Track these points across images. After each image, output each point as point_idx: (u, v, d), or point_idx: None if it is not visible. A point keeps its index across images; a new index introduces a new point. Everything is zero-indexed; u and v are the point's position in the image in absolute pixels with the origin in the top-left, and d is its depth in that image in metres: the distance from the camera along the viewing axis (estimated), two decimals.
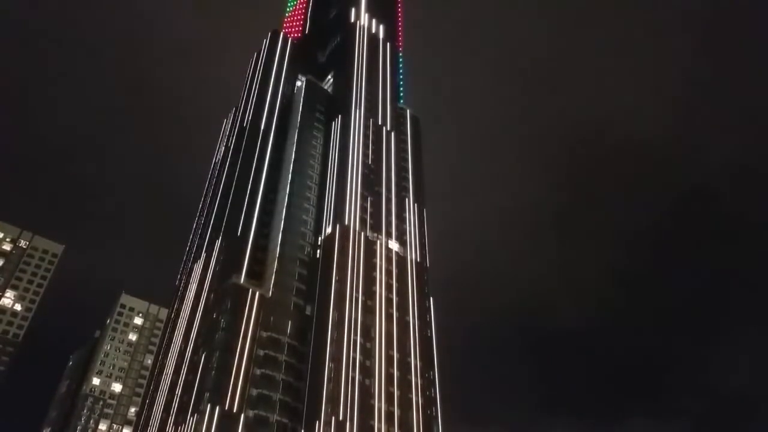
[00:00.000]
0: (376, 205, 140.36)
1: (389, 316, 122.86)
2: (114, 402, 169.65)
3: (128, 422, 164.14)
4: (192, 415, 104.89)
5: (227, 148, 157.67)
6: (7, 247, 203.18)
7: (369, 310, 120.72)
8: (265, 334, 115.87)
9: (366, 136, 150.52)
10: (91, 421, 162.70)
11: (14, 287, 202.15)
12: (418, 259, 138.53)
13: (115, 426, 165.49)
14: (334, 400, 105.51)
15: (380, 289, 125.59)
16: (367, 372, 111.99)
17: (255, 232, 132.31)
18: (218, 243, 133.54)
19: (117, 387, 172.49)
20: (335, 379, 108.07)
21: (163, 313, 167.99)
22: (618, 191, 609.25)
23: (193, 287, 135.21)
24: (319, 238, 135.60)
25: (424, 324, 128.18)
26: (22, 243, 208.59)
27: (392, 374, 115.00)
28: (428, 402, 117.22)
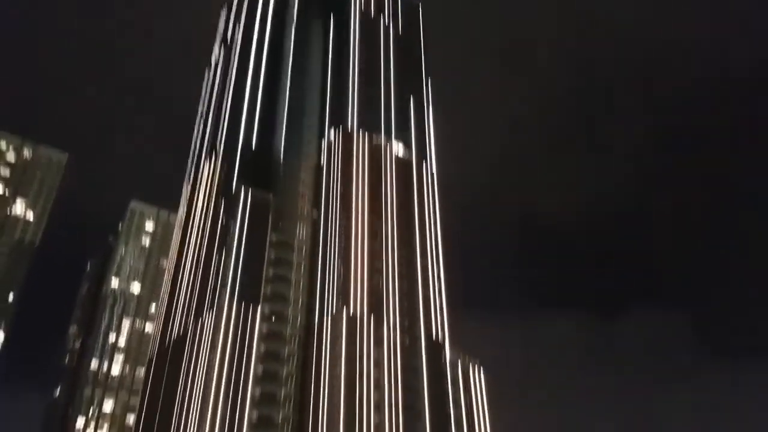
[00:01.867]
0: (379, 107, 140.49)
1: (395, 219, 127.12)
2: (134, 300, 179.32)
3: (150, 318, 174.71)
4: (210, 308, 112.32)
5: (223, 47, 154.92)
6: (11, 157, 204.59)
7: (375, 214, 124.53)
8: (275, 238, 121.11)
9: (366, 32, 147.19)
10: (115, 319, 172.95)
11: (24, 195, 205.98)
12: (424, 163, 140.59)
13: (138, 322, 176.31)
14: (344, 296, 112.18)
15: (386, 192, 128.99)
16: (375, 271, 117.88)
17: (257, 138, 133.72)
18: (220, 151, 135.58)
19: (135, 287, 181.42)
20: (344, 277, 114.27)
21: (173, 218, 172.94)
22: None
23: (200, 194, 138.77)
24: (323, 142, 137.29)
25: (430, 226, 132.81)
26: (26, 153, 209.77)
27: (402, 273, 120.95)
28: (435, 295, 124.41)
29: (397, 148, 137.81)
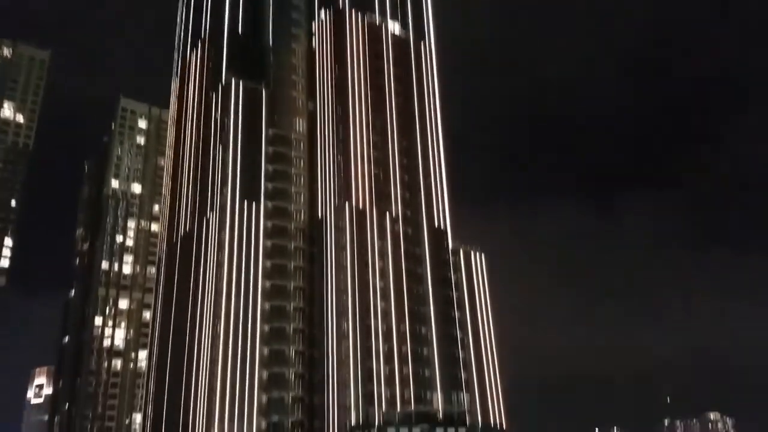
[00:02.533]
0: None
1: (394, 106, 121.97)
2: (136, 201, 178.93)
3: (154, 219, 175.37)
4: (213, 208, 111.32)
5: None
6: None
7: (373, 101, 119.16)
8: (272, 132, 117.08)
9: None
10: (119, 220, 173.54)
11: (10, 98, 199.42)
12: (422, 43, 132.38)
13: (143, 222, 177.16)
14: (346, 189, 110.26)
15: (384, 76, 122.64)
16: (376, 162, 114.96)
17: (243, 22, 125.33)
18: (206, 39, 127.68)
19: (136, 188, 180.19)
20: (345, 169, 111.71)
21: (165, 114, 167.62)
22: None
23: (190, 88, 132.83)
24: (313, 25, 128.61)
25: (430, 112, 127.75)
26: (5, 52, 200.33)
27: (403, 162, 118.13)
28: (437, 184, 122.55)
29: (393, 27, 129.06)
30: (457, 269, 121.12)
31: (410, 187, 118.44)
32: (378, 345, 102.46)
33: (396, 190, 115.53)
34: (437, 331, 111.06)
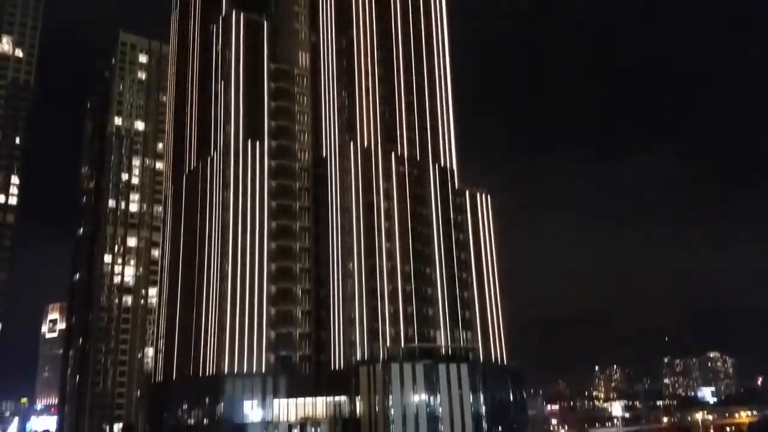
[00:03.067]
0: None
1: (401, 38, 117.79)
2: (140, 139, 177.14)
3: (158, 156, 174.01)
4: (216, 147, 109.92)
5: None
6: None
7: (379, 34, 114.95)
8: (274, 67, 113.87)
9: None
10: (124, 158, 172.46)
11: (8, 32, 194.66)
12: None
13: (147, 160, 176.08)
14: (351, 128, 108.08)
15: (392, 6, 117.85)
16: (382, 100, 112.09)
17: None
18: None
19: (140, 125, 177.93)
20: (350, 107, 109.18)
21: (166, 49, 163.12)
22: None
23: (189, 21, 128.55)
24: None
25: (439, 46, 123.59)
26: None
27: (410, 101, 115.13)
28: (445, 123, 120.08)
29: None
30: (463, 210, 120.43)
31: (417, 126, 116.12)
32: (383, 284, 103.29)
33: (402, 129, 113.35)
34: (441, 272, 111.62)
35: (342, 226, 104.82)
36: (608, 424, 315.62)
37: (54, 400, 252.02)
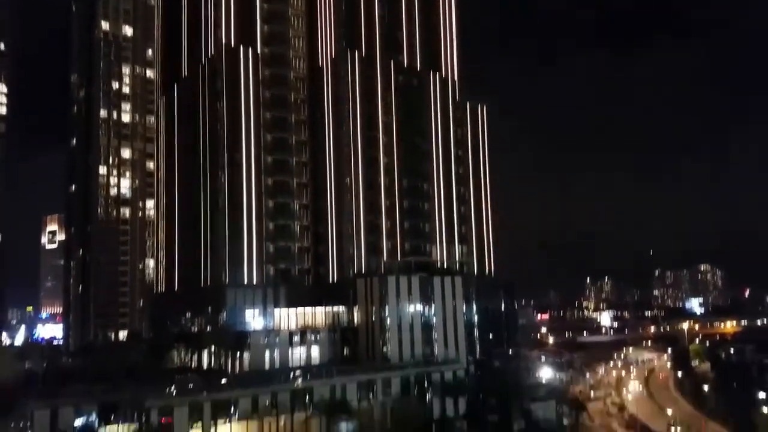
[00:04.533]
0: None
1: None
2: (129, 45, 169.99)
3: (149, 64, 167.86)
4: (207, 54, 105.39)
5: None
6: None
7: None
8: None
9: None
10: (113, 65, 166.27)
11: None
12: None
13: (137, 68, 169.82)
14: (349, 34, 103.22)
15: None
16: (382, 2, 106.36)
17: None
18: None
19: (128, 30, 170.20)
20: (348, 11, 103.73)
21: None
22: None
23: None
24: None
25: None
26: None
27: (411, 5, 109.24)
28: (447, 30, 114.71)
29: None
30: (463, 124, 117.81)
31: (418, 34, 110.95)
32: (380, 199, 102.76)
33: (403, 37, 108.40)
34: (439, 187, 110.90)
35: (339, 139, 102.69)
36: (596, 333, 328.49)
37: (58, 309, 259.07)
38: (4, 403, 62.72)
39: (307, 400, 64.11)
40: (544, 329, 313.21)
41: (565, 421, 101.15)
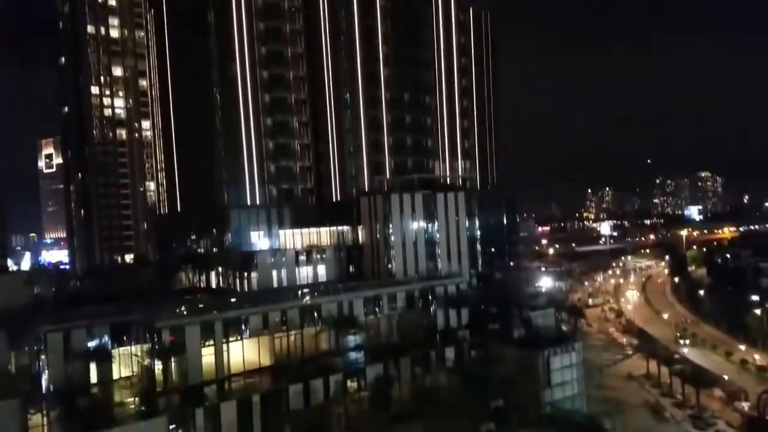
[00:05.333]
0: None
1: None
2: None
3: None
4: None
5: None
6: None
7: None
8: None
9: None
10: None
11: None
12: None
13: None
14: None
15: None
16: None
17: None
18: None
19: None
20: None
21: None
22: None
23: None
24: None
25: None
26: None
27: None
28: None
29: None
30: (466, 32, 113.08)
31: None
32: (381, 114, 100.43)
33: None
34: (442, 100, 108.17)
35: (337, 52, 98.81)
36: (596, 242, 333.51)
37: (62, 234, 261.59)
38: (17, 327, 63.96)
39: (315, 316, 65.53)
40: (544, 241, 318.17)
41: (564, 328, 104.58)
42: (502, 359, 68.05)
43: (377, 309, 71.17)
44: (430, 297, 75.93)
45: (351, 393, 61.75)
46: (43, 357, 59.91)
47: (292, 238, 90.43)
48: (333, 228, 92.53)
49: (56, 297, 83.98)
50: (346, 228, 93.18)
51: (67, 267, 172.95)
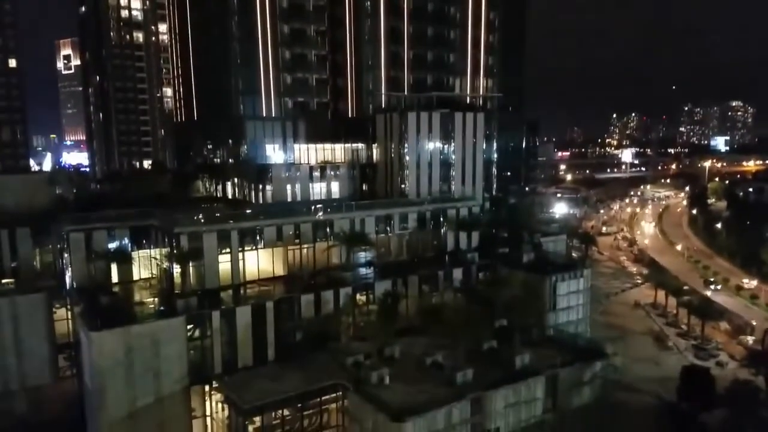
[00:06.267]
0: None
1: None
2: None
3: None
4: None
5: None
6: None
7: None
8: None
9: None
10: None
11: None
12: None
13: None
14: None
15: None
16: None
17: None
18: None
19: None
20: None
21: None
22: None
23: None
24: None
25: None
26: None
27: None
28: None
29: None
30: None
31: None
32: (402, 25, 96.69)
33: None
34: (466, 11, 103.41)
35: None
36: (616, 169, 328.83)
37: (81, 137, 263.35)
38: (41, 226, 66.01)
39: (328, 231, 66.48)
40: (563, 166, 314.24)
41: (575, 255, 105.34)
42: (509, 281, 69.06)
43: (388, 228, 71.90)
44: (441, 218, 76.29)
45: (359, 305, 63.66)
46: (66, 255, 62.03)
47: (307, 152, 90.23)
48: (348, 145, 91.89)
49: (77, 198, 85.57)
50: (360, 145, 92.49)
51: (87, 170, 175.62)
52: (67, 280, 62.19)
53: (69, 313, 61.39)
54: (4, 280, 63.52)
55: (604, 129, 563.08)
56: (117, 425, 49.37)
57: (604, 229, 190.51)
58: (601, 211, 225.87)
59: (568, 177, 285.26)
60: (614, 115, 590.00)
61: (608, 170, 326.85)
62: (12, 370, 59.00)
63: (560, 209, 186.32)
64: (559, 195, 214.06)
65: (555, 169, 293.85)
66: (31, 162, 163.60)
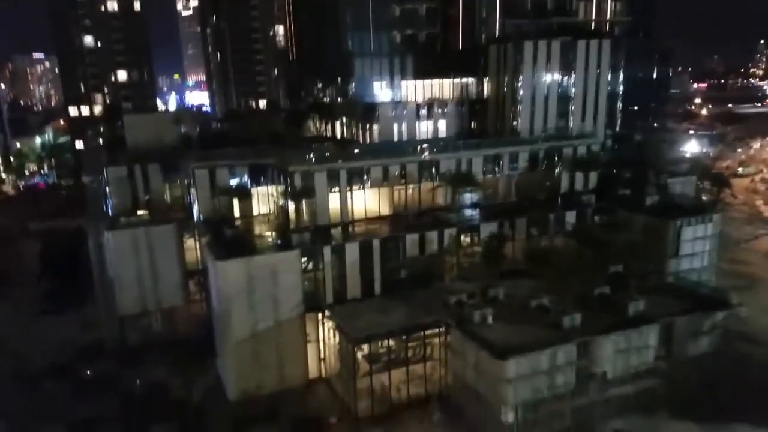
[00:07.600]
0: None
1: None
2: None
3: None
4: None
5: None
6: None
7: None
8: None
9: None
10: None
11: None
12: None
13: None
14: None
15: None
16: None
17: None
18: None
19: None
20: None
21: None
22: None
23: None
24: None
25: None
26: None
27: None
28: None
29: None
30: None
31: None
32: None
33: None
34: None
35: None
36: (759, 104, 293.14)
37: (202, 77, 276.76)
38: (170, 163, 70.59)
39: (433, 172, 65.14)
40: (698, 100, 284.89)
41: (705, 198, 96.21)
42: (628, 225, 64.47)
43: (497, 168, 68.96)
44: (556, 158, 71.76)
45: (464, 247, 62.62)
46: (192, 191, 66.58)
47: (414, 89, 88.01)
48: (456, 80, 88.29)
49: (200, 137, 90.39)
50: (470, 80, 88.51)
51: (208, 110, 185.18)
52: (195, 212, 66.60)
53: (197, 243, 66.15)
54: (139, 212, 68.94)
55: (748, 58, 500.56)
56: (241, 345, 54.55)
57: (740, 170, 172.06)
58: (739, 150, 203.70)
59: (704, 111, 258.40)
60: (761, 41, 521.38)
61: (750, 104, 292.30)
62: (149, 294, 65.39)
63: (692, 147, 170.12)
64: (692, 132, 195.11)
65: (690, 102, 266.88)
66: (158, 102, 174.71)
